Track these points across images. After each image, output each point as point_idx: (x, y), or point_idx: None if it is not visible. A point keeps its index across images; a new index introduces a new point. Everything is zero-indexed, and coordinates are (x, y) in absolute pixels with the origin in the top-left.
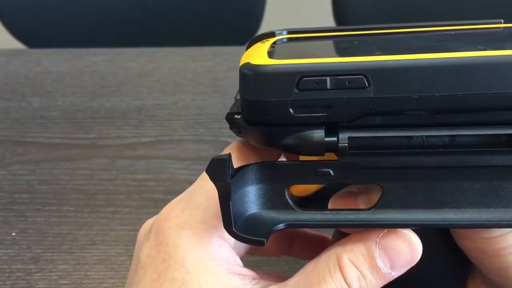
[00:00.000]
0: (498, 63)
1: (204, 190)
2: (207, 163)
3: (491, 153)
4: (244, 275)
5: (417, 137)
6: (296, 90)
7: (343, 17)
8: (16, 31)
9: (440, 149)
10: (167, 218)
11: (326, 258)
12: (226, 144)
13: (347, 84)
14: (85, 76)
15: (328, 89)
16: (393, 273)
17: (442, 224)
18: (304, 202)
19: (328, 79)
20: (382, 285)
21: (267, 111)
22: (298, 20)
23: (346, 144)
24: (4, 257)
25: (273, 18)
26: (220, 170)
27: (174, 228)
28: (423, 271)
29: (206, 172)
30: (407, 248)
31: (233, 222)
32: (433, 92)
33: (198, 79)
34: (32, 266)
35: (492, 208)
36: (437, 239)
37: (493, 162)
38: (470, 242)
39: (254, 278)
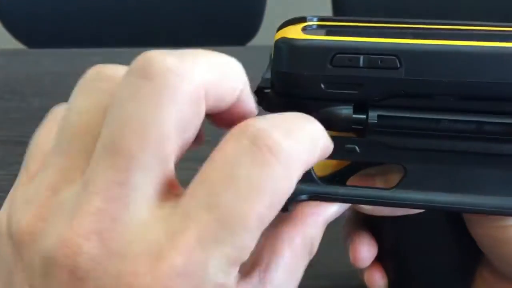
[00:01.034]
0: None
1: None
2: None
3: None
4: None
5: (445, 120)
6: (329, 66)
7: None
8: (16, 31)
9: (466, 135)
10: None
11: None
12: None
13: (379, 63)
14: None
15: (361, 67)
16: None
17: (462, 208)
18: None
19: (361, 57)
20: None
21: (299, 84)
22: None
23: (376, 121)
24: None
25: (273, 18)
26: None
27: None
28: (433, 259)
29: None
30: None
31: None
32: (463, 78)
33: None
34: None
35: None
36: (448, 228)
37: None
38: (483, 229)
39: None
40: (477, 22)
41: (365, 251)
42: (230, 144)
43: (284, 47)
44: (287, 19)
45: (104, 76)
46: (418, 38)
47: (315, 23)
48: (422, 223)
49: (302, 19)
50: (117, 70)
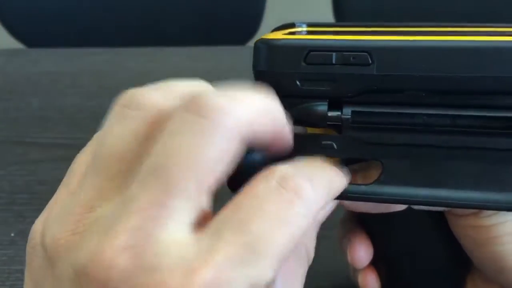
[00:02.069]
0: (501, 47)
1: None
2: None
3: (492, 135)
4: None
5: (419, 115)
6: (303, 64)
7: (343, 18)
8: (15, 31)
9: (441, 129)
10: None
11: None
12: None
13: (351, 60)
14: (85, 76)
15: (334, 64)
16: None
17: (440, 202)
18: None
19: (334, 54)
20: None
21: (276, 82)
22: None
23: (349, 117)
24: (3, 258)
25: (273, 18)
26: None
27: None
28: (423, 263)
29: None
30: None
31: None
32: (434, 72)
33: (198, 79)
34: None
35: (490, 191)
36: (436, 231)
37: (494, 145)
38: (464, 230)
39: None
40: (461, 24)
41: (363, 250)
42: (261, 184)
43: (262, 46)
44: (277, 25)
45: (138, 104)
46: (391, 35)
47: (304, 29)
48: (410, 225)
49: (291, 25)
50: (150, 97)
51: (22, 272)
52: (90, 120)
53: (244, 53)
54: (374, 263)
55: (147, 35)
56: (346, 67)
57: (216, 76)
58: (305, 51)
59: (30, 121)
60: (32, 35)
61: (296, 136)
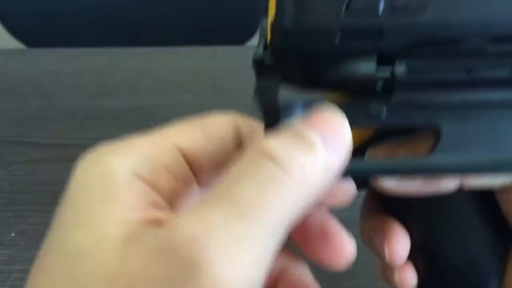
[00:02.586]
0: None
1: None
2: None
3: None
4: (149, 220)
5: (479, 66)
6: (344, 14)
7: None
8: (16, 31)
9: (504, 85)
10: (87, 153)
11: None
12: None
13: (402, 5)
14: (85, 76)
15: (381, 13)
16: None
17: (506, 167)
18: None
19: (381, 0)
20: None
21: (310, 40)
22: None
23: (404, 74)
24: (3, 258)
25: None
26: (270, 91)
27: (85, 162)
28: (461, 246)
29: (254, 95)
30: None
31: None
32: (497, 16)
33: (198, 79)
34: (31, 267)
35: None
36: (479, 213)
37: None
38: None
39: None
40: None
41: (402, 243)
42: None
43: None
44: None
45: None
46: None
47: None
48: (454, 209)
49: None
50: None
51: (22, 272)
52: (90, 120)
53: (244, 53)
54: (411, 257)
55: (147, 35)
56: (395, 16)
57: (216, 76)
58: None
59: (30, 121)
60: (32, 35)
61: (340, 104)
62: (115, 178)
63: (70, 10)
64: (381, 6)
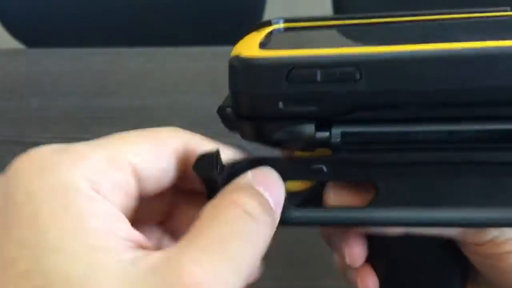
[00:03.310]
0: (498, 54)
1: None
2: None
3: (490, 149)
4: (125, 239)
5: (414, 132)
6: (286, 83)
7: None
8: (16, 31)
9: (438, 145)
10: (29, 156)
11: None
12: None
13: (337, 76)
14: (85, 76)
15: (319, 82)
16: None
17: (441, 223)
18: (303, 198)
19: (318, 71)
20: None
21: (257, 104)
22: None
23: (339, 140)
24: None
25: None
26: (208, 166)
27: (33, 169)
28: (422, 273)
29: (193, 168)
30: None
31: None
32: (429, 85)
33: (198, 79)
34: None
35: (494, 207)
36: (436, 241)
37: (493, 158)
38: (475, 247)
39: (140, 246)
40: (451, 10)
41: (360, 248)
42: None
43: (238, 66)
44: (253, 24)
45: None
46: (380, 43)
47: (281, 26)
48: (410, 241)
49: (267, 23)
50: None
51: None
52: (90, 120)
53: None
54: (371, 260)
55: (147, 35)
56: (332, 84)
57: (216, 76)
58: (287, 70)
59: (30, 121)
60: (32, 35)
61: (284, 161)
62: (79, 198)
63: (70, 10)
64: (319, 76)
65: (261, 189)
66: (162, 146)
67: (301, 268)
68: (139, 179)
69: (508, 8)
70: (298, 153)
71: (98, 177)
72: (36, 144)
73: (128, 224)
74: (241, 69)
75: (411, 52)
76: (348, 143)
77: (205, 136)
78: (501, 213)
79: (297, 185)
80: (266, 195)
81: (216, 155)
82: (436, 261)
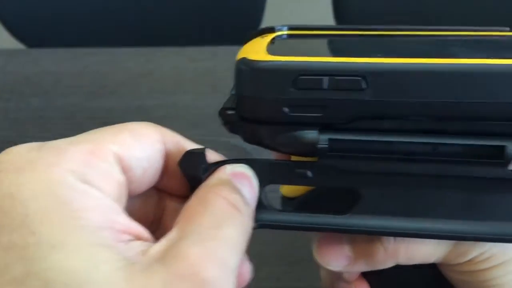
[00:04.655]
0: (494, 72)
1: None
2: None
3: (473, 164)
4: (122, 231)
5: (399, 143)
6: (292, 89)
7: (343, 17)
8: (16, 31)
9: (422, 157)
10: (4, 157)
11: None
12: (227, 144)
13: (344, 85)
14: (85, 76)
15: (325, 89)
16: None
17: (419, 233)
18: (298, 204)
19: (325, 79)
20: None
21: (261, 108)
22: (298, 20)
23: (326, 146)
24: None
25: (273, 18)
26: (193, 163)
27: (12, 170)
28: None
29: (178, 164)
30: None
31: None
32: (431, 98)
33: (198, 79)
34: None
35: (471, 220)
36: (422, 271)
37: (475, 173)
38: (457, 274)
39: (138, 237)
40: (453, 27)
41: (337, 251)
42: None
43: (245, 70)
44: (256, 30)
45: None
46: (386, 55)
47: (285, 32)
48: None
49: (271, 30)
50: None
51: None
52: (90, 120)
53: None
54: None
55: (147, 35)
56: (338, 92)
57: (216, 76)
58: (294, 76)
59: (30, 121)
60: (32, 35)
61: (270, 165)
62: (69, 192)
63: (70, 10)
64: (326, 84)
65: (238, 185)
66: (143, 136)
67: (301, 268)
68: (125, 168)
69: (508, 28)
70: (295, 158)
71: (83, 168)
72: None
73: (125, 215)
74: (248, 72)
75: (417, 64)
76: (334, 149)
77: (205, 136)
78: (477, 227)
79: (293, 190)
80: (242, 191)
81: (202, 153)
82: (423, 281)
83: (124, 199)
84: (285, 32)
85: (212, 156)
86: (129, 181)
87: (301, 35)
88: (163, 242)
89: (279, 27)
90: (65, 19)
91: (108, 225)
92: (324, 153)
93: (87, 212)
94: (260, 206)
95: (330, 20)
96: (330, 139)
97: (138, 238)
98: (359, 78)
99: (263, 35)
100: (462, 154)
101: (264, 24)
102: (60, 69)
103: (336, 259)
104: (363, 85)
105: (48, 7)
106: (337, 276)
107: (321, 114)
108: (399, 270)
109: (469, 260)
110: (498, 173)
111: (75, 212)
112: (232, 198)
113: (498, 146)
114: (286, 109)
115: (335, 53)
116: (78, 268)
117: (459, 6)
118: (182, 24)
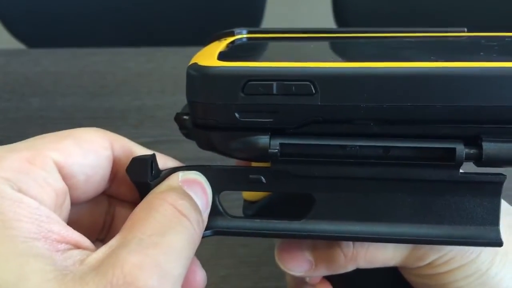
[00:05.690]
0: (448, 75)
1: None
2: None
3: (425, 166)
4: (58, 240)
5: (351, 147)
6: (242, 94)
7: (343, 17)
8: (16, 31)
9: (373, 160)
10: None
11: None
12: None
13: (293, 90)
14: (85, 76)
15: (274, 94)
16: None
17: (373, 237)
18: (259, 208)
19: (274, 84)
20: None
21: (212, 114)
22: (298, 20)
23: (277, 151)
24: None
25: (273, 18)
26: (141, 171)
27: None
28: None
29: (126, 171)
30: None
31: None
32: (381, 102)
33: None
34: None
35: (424, 224)
36: (384, 272)
37: (427, 176)
38: (418, 277)
39: (77, 246)
40: (410, 29)
41: (298, 256)
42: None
43: (195, 75)
44: (217, 33)
45: None
46: (336, 59)
47: (243, 36)
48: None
49: (230, 33)
50: None
51: None
52: (90, 120)
53: None
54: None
55: (147, 35)
56: (288, 97)
57: None
58: (243, 81)
59: (30, 121)
60: (32, 35)
61: (224, 171)
62: (2, 201)
63: (70, 10)
64: (275, 89)
65: (189, 192)
66: (87, 142)
67: None
68: (66, 176)
69: (465, 29)
70: (255, 164)
71: (19, 176)
72: None
73: (62, 224)
74: (198, 78)
75: (365, 69)
76: (286, 154)
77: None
78: (430, 230)
79: (253, 195)
80: (194, 197)
81: (151, 159)
82: (385, 282)
83: (65, 207)
84: (244, 36)
85: (168, 162)
86: (72, 188)
87: (259, 39)
88: (103, 250)
89: (238, 31)
90: (65, 19)
91: (42, 235)
92: (276, 158)
93: (19, 222)
94: (215, 212)
95: (330, 20)
96: (281, 144)
97: (77, 246)
98: (308, 83)
99: (221, 39)
100: (414, 157)
101: (264, 24)
102: (60, 69)
103: (297, 264)
104: (312, 90)
105: (48, 7)
106: (301, 279)
107: (271, 119)
108: (361, 270)
109: (428, 264)
110: (450, 175)
111: (6, 222)
112: (179, 204)
113: (448, 148)
114: (237, 115)
115: (286, 58)
116: (6, 279)
117: (459, 6)
118: (182, 24)
